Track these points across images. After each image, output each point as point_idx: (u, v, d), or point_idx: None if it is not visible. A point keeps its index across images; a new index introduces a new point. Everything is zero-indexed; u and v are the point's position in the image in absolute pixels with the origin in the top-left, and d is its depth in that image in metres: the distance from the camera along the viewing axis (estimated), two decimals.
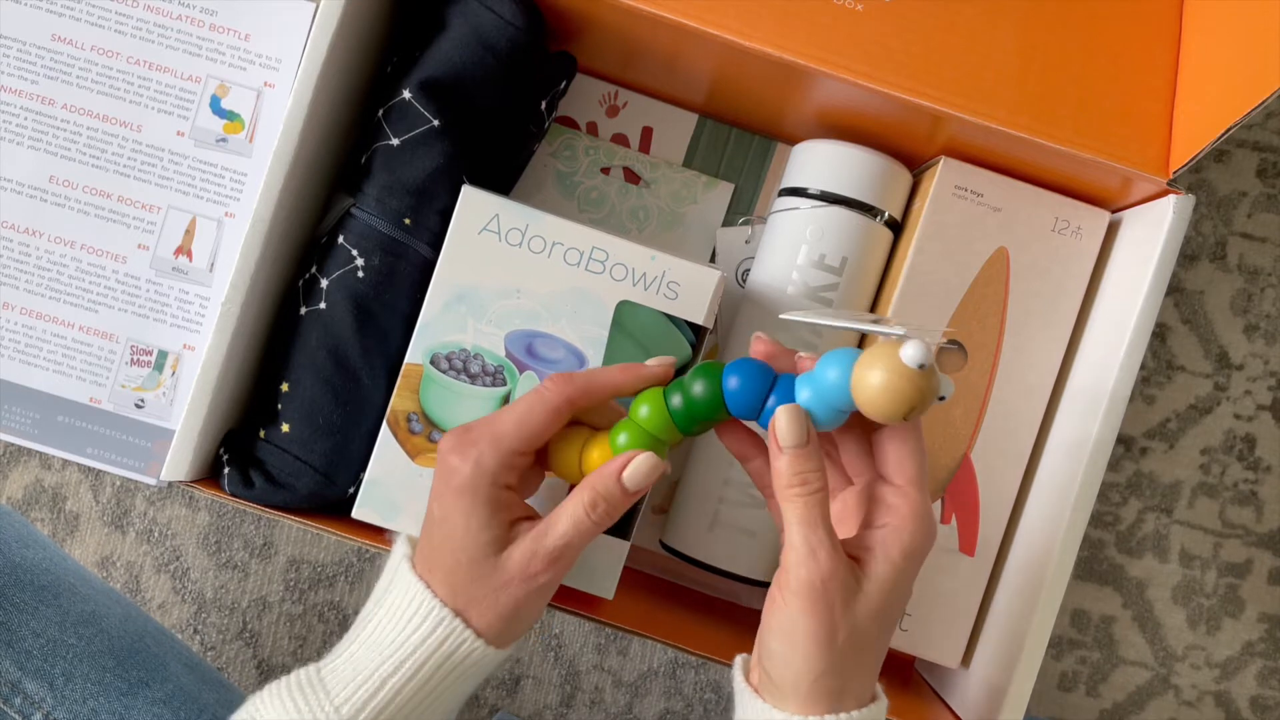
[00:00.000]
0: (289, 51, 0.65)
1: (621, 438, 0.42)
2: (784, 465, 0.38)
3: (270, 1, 0.64)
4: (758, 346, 0.42)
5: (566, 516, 0.41)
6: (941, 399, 0.37)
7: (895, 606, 0.39)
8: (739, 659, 0.42)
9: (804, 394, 0.39)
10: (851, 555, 0.39)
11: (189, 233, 0.65)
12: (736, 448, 0.45)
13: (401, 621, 0.40)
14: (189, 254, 0.65)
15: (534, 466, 0.44)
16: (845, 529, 0.41)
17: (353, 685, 0.39)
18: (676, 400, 0.41)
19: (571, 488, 0.42)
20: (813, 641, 0.37)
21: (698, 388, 0.41)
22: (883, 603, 0.38)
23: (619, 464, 0.41)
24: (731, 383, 0.40)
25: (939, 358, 0.40)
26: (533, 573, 0.40)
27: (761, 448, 0.44)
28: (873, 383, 0.36)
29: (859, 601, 0.37)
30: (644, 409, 0.42)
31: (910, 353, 0.35)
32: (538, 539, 0.40)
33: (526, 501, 0.44)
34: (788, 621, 0.37)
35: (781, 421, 0.38)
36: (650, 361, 0.43)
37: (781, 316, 0.44)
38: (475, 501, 0.40)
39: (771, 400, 0.39)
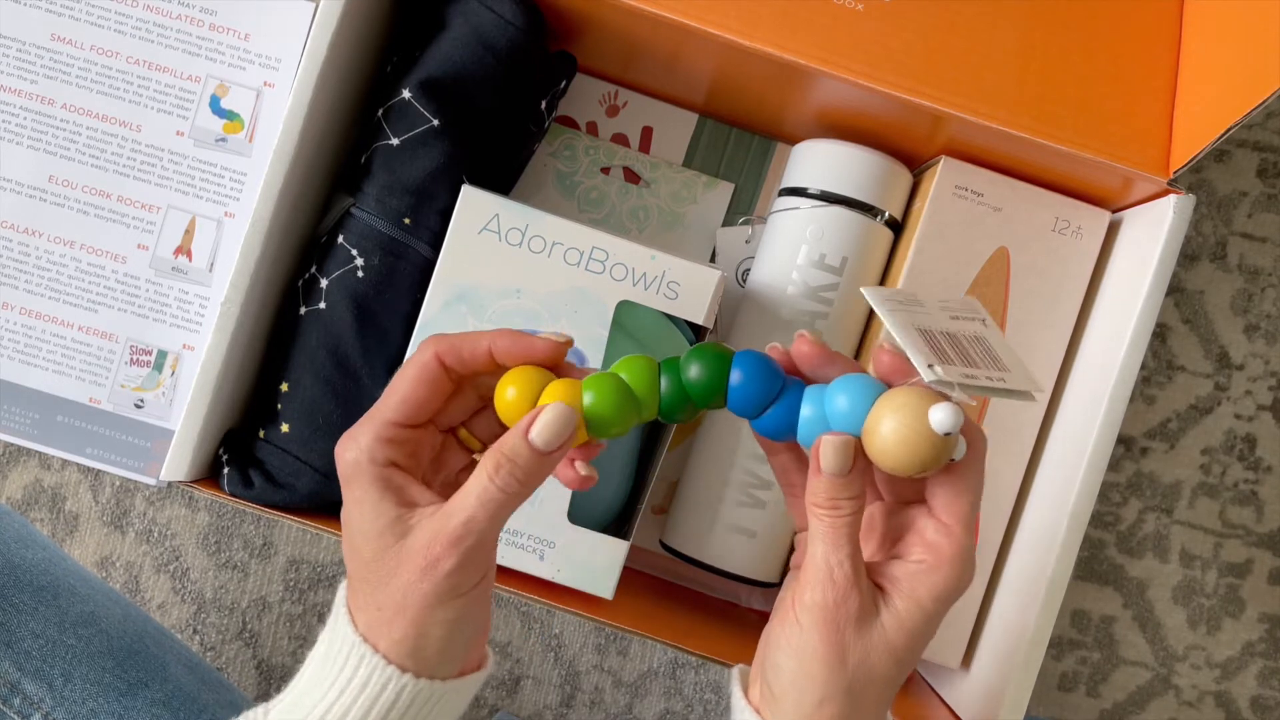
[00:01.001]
0: (289, 51, 0.65)
1: (588, 396, 0.35)
2: (820, 486, 0.35)
3: (270, 1, 0.64)
4: (799, 347, 0.37)
5: (471, 488, 0.34)
6: (952, 460, 0.34)
7: (915, 647, 0.35)
8: (736, 670, 0.39)
9: (808, 410, 0.35)
10: (876, 582, 0.36)
11: (189, 232, 0.65)
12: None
13: (335, 667, 0.36)
14: (189, 254, 0.65)
15: (437, 444, 0.39)
16: (869, 548, 0.38)
17: None
18: (665, 381, 0.36)
19: None
20: (820, 664, 0.35)
21: (695, 370, 0.36)
22: (901, 642, 0.35)
23: (526, 420, 0.35)
24: (736, 377, 0.36)
25: (1009, 394, 0.37)
26: (434, 557, 0.34)
27: (791, 443, 0.40)
28: (890, 433, 0.33)
29: (874, 633, 0.35)
30: (628, 372, 0.36)
31: (940, 419, 0.32)
32: (441, 518, 0.34)
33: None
34: (797, 638, 0.35)
35: (827, 451, 0.34)
36: (543, 332, 0.37)
37: (862, 290, 0.39)
38: (361, 486, 0.35)
39: (777, 407, 0.36)
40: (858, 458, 0.35)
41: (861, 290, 0.39)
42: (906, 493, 0.38)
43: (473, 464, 0.40)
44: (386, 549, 0.34)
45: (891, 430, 0.33)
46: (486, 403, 0.39)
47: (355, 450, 0.35)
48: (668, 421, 0.37)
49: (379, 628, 0.35)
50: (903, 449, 0.33)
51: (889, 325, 0.36)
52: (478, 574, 0.35)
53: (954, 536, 0.35)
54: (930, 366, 0.33)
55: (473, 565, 0.34)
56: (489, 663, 0.39)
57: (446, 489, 0.37)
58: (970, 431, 0.36)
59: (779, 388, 0.36)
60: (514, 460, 0.34)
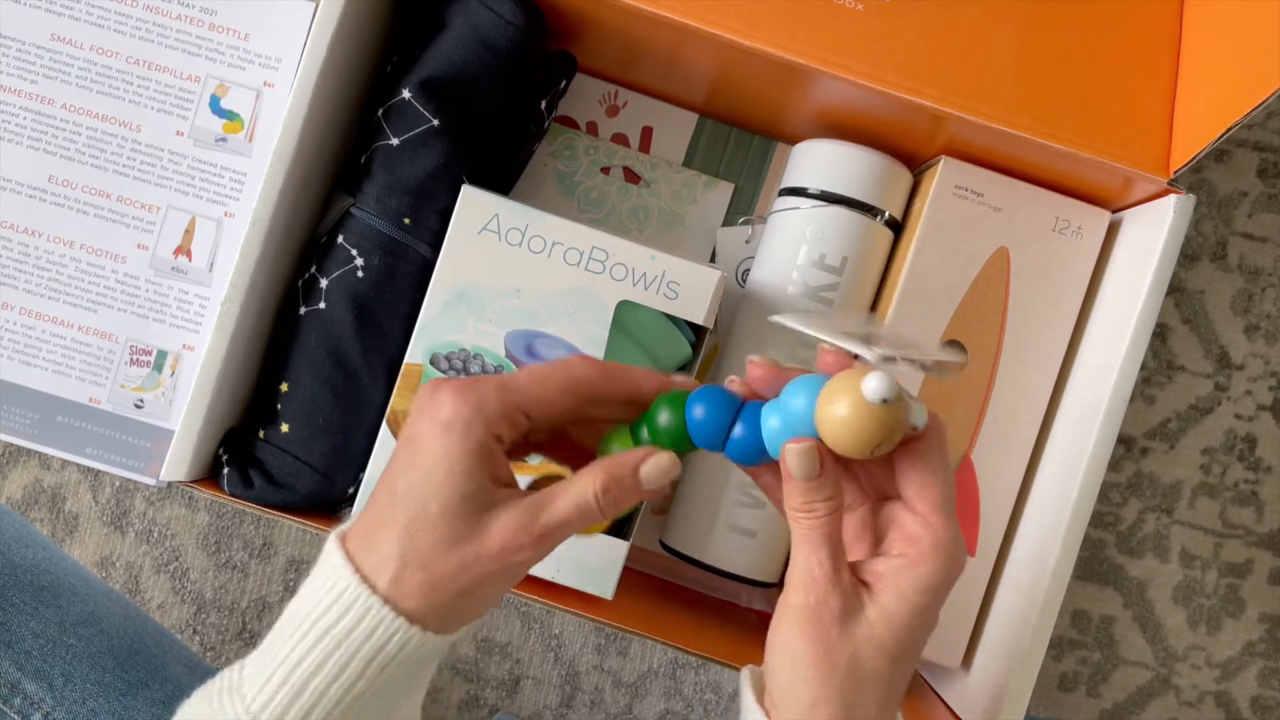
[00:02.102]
0: (289, 51, 0.65)
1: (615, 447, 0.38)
2: (794, 492, 0.36)
3: (270, 1, 0.64)
4: (752, 371, 0.38)
5: (573, 494, 0.35)
6: (914, 429, 0.35)
7: (909, 641, 0.35)
8: (747, 671, 0.39)
9: (772, 422, 0.36)
10: (864, 580, 0.36)
11: (188, 232, 0.65)
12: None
13: (321, 609, 0.34)
14: (188, 254, 0.65)
15: (521, 453, 0.39)
16: (860, 549, 0.38)
17: (270, 687, 0.34)
18: (643, 433, 0.38)
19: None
20: (809, 665, 0.35)
21: (663, 418, 0.37)
22: (891, 637, 0.35)
23: (639, 455, 0.36)
24: (696, 413, 0.36)
25: (940, 366, 0.38)
26: (515, 546, 0.34)
27: (771, 464, 0.40)
28: (835, 416, 0.33)
29: (860, 631, 0.35)
30: (614, 445, 0.38)
31: (873, 386, 0.32)
32: (532, 509, 0.35)
33: None
34: (787, 643, 0.36)
35: (791, 457, 0.35)
36: (677, 376, 0.39)
37: (771, 319, 0.41)
38: (466, 445, 0.34)
39: (738, 429, 0.36)
40: (825, 459, 0.35)
41: (773, 318, 0.41)
42: (886, 488, 0.38)
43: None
44: (464, 515, 0.34)
45: (836, 413, 0.33)
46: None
47: (478, 412, 0.35)
48: None
49: (411, 585, 0.34)
50: (848, 428, 0.33)
51: (815, 331, 0.37)
52: (530, 568, 0.36)
53: (931, 525, 0.35)
54: (866, 346, 0.35)
55: (538, 559, 0.35)
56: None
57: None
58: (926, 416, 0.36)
59: (734, 412, 0.36)
60: (620, 488, 0.36)
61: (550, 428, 0.39)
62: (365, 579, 0.34)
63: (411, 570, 0.34)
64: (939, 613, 0.36)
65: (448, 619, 0.35)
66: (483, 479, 0.34)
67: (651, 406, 0.38)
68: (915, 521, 0.36)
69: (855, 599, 0.35)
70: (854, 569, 0.36)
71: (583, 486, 0.35)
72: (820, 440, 0.35)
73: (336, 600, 0.34)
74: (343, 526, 0.37)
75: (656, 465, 0.36)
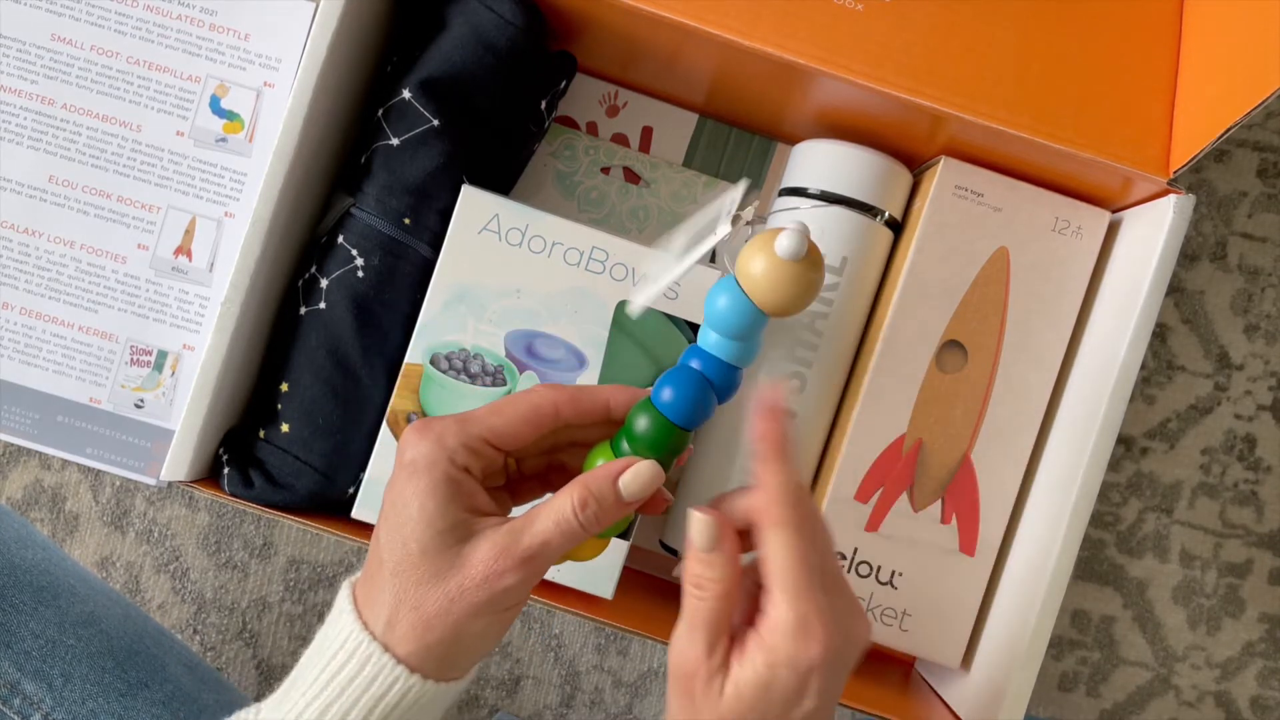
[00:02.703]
0: (289, 51, 0.65)
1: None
2: (690, 562, 0.36)
3: (270, 1, 0.64)
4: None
5: (551, 512, 0.35)
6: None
7: (764, 713, 0.34)
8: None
9: (711, 338, 0.36)
10: (738, 643, 0.35)
11: (189, 232, 0.65)
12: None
13: (327, 656, 0.35)
14: (189, 254, 0.65)
15: (506, 483, 0.40)
16: (746, 612, 0.37)
17: None
18: (623, 446, 0.37)
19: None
20: None
21: (640, 423, 0.36)
22: (746, 708, 0.34)
23: (617, 466, 0.36)
24: (665, 395, 0.36)
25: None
26: (499, 571, 0.34)
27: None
28: (755, 272, 0.34)
29: (722, 703, 0.34)
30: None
31: (785, 245, 0.33)
32: (511, 534, 0.35)
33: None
34: (668, 692, 0.36)
35: (692, 524, 0.35)
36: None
37: (628, 310, 0.41)
38: (432, 481, 0.35)
39: (688, 375, 0.36)
40: (724, 539, 0.35)
41: (627, 310, 0.41)
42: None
43: (528, 486, 0.41)
44: (443, 550, 0.34)
45: (753, 270, 0.34)
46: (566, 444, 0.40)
47: (438, 447, 0.35)
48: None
49: (405, 628, 0.34)
50: (767, 281, 0.34)
51: (684, 265, 0.38)
52: (526, 592, 0.36)
53: (778, 605, 0.34)
54: (724, 226, 0.36)
55: (527, 585, 0.35)
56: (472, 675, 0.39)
57: (498, 498, 0.38)
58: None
59: (698, 377, 0.36)
60: (600, 501, 0.35)
61: (538, 458, 0.40)
62: (366, 625, 0.35)
63: (404, 613, 0.34)
64: (815, 687, 0.34)
65: (447, 660, 0.35)
66: (457, 512, 0.35)
67: (626, 418, 0.37)
68: (768, 599, 0.34)
69: (722, 671, 0.35)
70: (733, 633, 0.36)
71: (561, 504, 0.35)
72: (714, 512, 0.36)
73: (341, 647, 0.35)
74: (355, 576, 0.38)
75: (635, 474, 0.36)
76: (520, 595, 0.35)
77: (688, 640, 0.35)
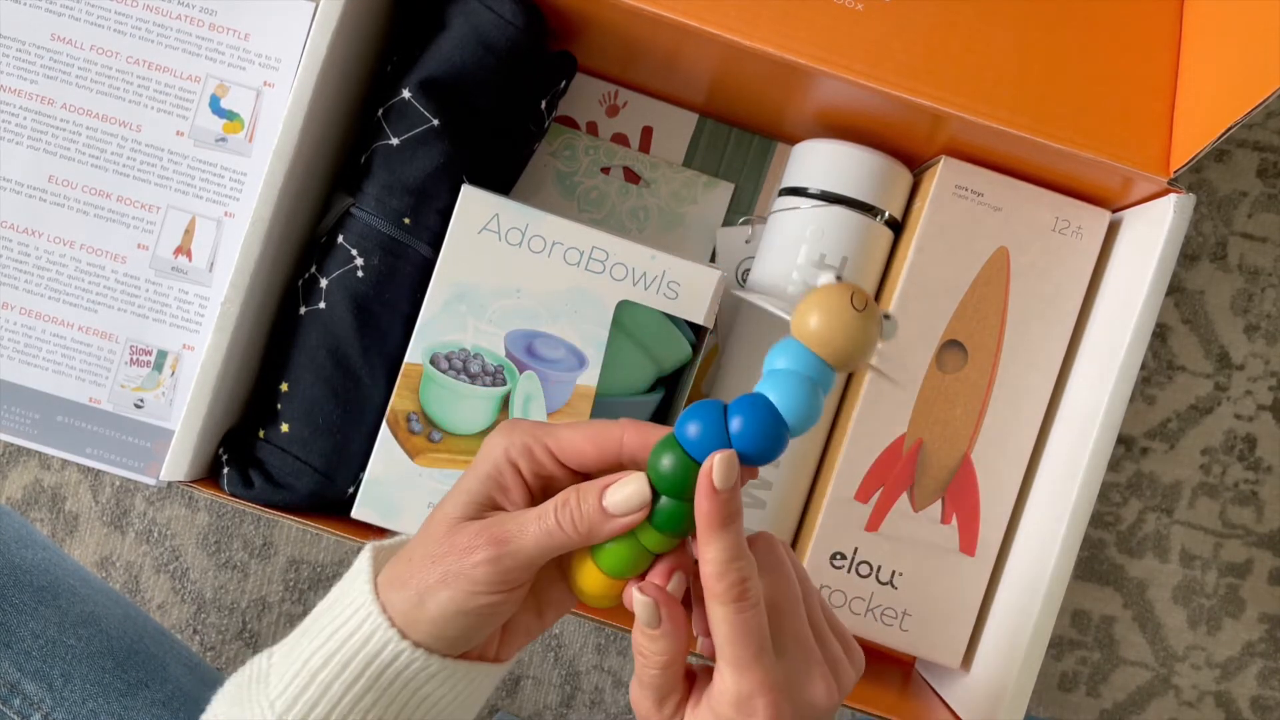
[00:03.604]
0: (288, 51, 0.65)
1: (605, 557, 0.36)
2: (634, 633, 0.36)
3: (270, 1, 0.64)
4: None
5: (535, 511, 0.35)
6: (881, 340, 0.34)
7: None
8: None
9: (773, 395, 0.34)
10: (694, 696, 0.36)
11: (188, 232, 0.65)
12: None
13: (338, 609, 0.36)
14: (188, 254, 0.65)
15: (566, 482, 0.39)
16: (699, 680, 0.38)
17: (287, 677, 0.36)
18: (651, 494, 0.35)
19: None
20: None
21: (665, 462, 0.34)
22: None
23: (608, 478, 0.35)
24: (690, 430, 0.34)
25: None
26: (472, 546, 0.34)
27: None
28: (809, 327, 0.33)
29: None
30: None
31: (884, 328, 0.34)
32: (499, 520, 0.35)
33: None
34: None
35: (636, 603, 0.35)
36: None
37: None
38: (484, 465, 0.36)
39: (736, 423, 0.33)
40: (666, 615, 0.35)
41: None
42: None
43: None
44: (453, 528, 0.35)
45: (809, 324, 0.33)
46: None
47: (507, 443, 0.36)
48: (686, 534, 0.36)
49: (404, 597, 0.35)
50: (821, 335, 0.33)
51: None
52: (507, 586, 0.35)
53: (724, 677, 0.34)
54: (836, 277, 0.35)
55: (502, 576, 0.35)
56: (507, 661, 0.39)
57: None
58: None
59: (722, 411, 0.34)
60: (581, 508, 0.35)
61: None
62: (375, 588, 0.36)
63: (405, 582, 0.35)
64: None
65: (443, 636, 0.35)
66: (484, 503, 0.36)
67: (650, 457, 0.35)
68: (716, 664, 0.35)
69: None
70: (692, 681, 0.37)
71: (548, 507, 0.35)
72: (657, 591, 0.35)
73: (350, 603, 0.36)
74: (382, 541, 0.39)
75: (620, 489, 0.35)
76: (494, 583, 0.35)
77: (639, 694, 0.36)
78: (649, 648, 0.35)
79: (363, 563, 0.37)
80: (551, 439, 0.36)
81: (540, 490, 0.37)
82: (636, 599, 0.35)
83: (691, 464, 0.34)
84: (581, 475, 0.37)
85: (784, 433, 0.34)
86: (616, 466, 0.36)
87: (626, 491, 0.35)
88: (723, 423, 0.34)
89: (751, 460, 0.34)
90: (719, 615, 0.34)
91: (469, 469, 0.37)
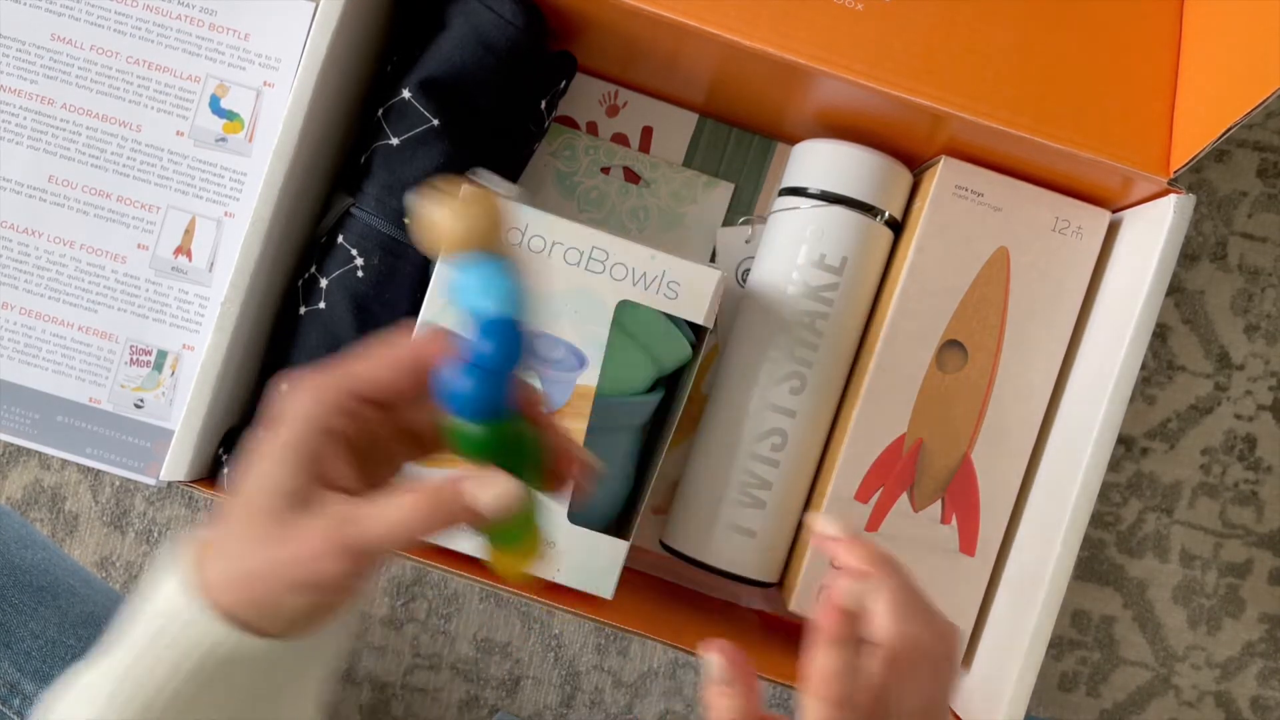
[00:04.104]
0: (289, 51, 0.65)
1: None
2: (706, 690, 0.39)
3: (270, 1, 0.64)
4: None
5: (387, 512, 0.32)
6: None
7: None
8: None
9: (473, 310, 0.32)
10: None
11: (188, 232, 0.65)
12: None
13: (151, 604, 0.33)
14: (188, 254, 0.65)
15: (387, 429, 0.35)
16: None
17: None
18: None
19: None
20: None
21: (463, 441, 0.32)
22: None
23: (468, 475, 0.33)
24: (456, 398, 0.32)
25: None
26: (318, 554, 0.31)
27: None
28: (438, 219, 0.31)
29: None
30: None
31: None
32: (341, 522, 0.31)
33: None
34: None
35: (708, 661, 0.39)
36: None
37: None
38: (294, 439, 0.32)
39: (474, 353, 0.32)
40: (737, 680, 0.38)
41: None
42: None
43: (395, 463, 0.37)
44: (280, 514, 0.32)
45: (437, 230, 0.31)
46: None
47: (310, 403, 0.33)
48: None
49: (221, 577, 0.32)
50: (450, 234, 0.31)
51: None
52: (357, 579, 0.33)
53: (803, 682, 0.38)
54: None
55: (355, 574, 0.32)
56: (347, 623, 0.36)
57: (371, 469, 0.35)
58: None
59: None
60: (443, 500, 0.32)
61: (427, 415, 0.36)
62: (191, 562, 0.33)
63: (223, 562, 0.32)
64: None
65: (267, 618, 0.32)
66: (305, 480, 0.32)
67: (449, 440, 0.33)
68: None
69: None
70: None
71: (401, 505, 0.32)
72: (731, 649, 0.39)
73: (165, 592, 0.33)
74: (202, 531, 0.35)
75: (479, 486, 0.32)
76: (349, 581, 0.32)
77: None
78: (722, 703, 0.38)
79: (180, 549, 0.33)
80: (352, 384, 0.33)
81: (360, 437, 0.34)
82: (711, 658, 0.38)
83: (481, 426, 0.32)
84: (388, 406, 0.34)
85: (508, 324, 0.32)
86: (422, 381, 0.33)
87: (491, 491, 0.32)
88: (471, 368, 0.32)
89: (505, 359, 0.32)
90: (811, 710, 0.37)
91: (280, 443, 0.32)
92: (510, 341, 0.32)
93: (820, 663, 0.37)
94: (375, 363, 0.33)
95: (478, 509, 0.32)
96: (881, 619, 0.39)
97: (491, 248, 0.32)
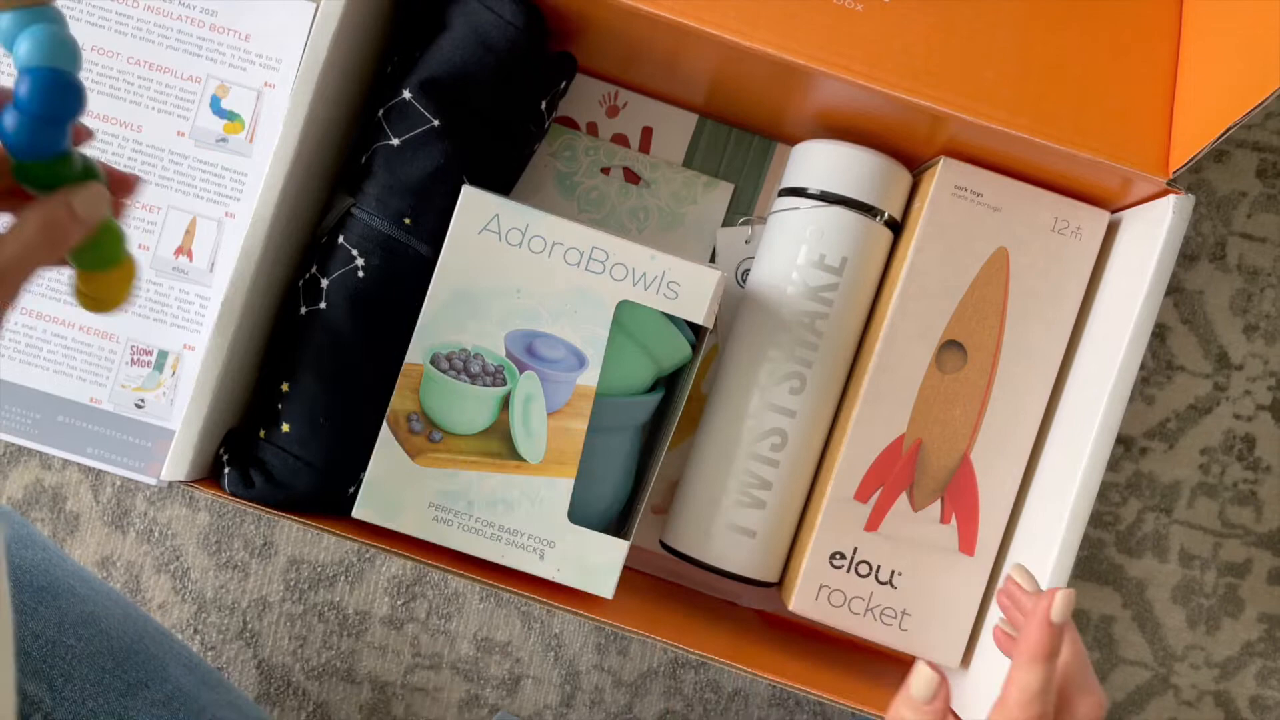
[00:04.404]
0: (289, 52, 0.65)
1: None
2: (898, 703, 0.39)
3: (270, 2, 0.64)
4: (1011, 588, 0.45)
5: (13, 231, 0.37)
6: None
7: None
8: None
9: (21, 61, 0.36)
10: None
11: (189, 233, 0.65)
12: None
13: None
14: (189, 254, 0.65)
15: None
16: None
17: None
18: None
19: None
20: None
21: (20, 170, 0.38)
22: None
23: (74, 190, 0.38)
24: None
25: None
26: None
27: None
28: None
29: None
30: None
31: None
32: None
33: None
34: None
35: (918, 675, 0.39)
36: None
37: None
38: None
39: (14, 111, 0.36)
40: (938, 699, 0.39)
41: None
42: None
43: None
44: None
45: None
46: None
47: None
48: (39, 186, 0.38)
49: None
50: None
51: None
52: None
53: (999, 706, 0.38)
54: None
55: None
56: None
57: None
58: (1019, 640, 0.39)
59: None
60: (56, 217, 0.37)
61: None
62: None
63: None
64: None
65: None
66: None
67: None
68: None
69: None
70: None
71: (19, 227, 0.37)
72: (940, 670, 0.39)
73: None
74: None
75: (84, 196, 0.38)
76: None
77: None
78: (911, 717, 0.38)
79: None
80: None
81: None
82: (920, 670, 0.38)
83: (37, 163, 0.37)
84: None
85: (46, 73, 0.36)
86: None
87: (89, 197, 0.38)
88: (16, 112, 0.36)
89: (45, 104, 0.36)
90: (1014, 670, 0.38)
91: None
92: (49, 87, 0.36)
93: (1023, 679, 0.37)
94: None
95: (76, 212, 0.38)
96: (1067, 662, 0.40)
97: (34, 1, 0.36)
